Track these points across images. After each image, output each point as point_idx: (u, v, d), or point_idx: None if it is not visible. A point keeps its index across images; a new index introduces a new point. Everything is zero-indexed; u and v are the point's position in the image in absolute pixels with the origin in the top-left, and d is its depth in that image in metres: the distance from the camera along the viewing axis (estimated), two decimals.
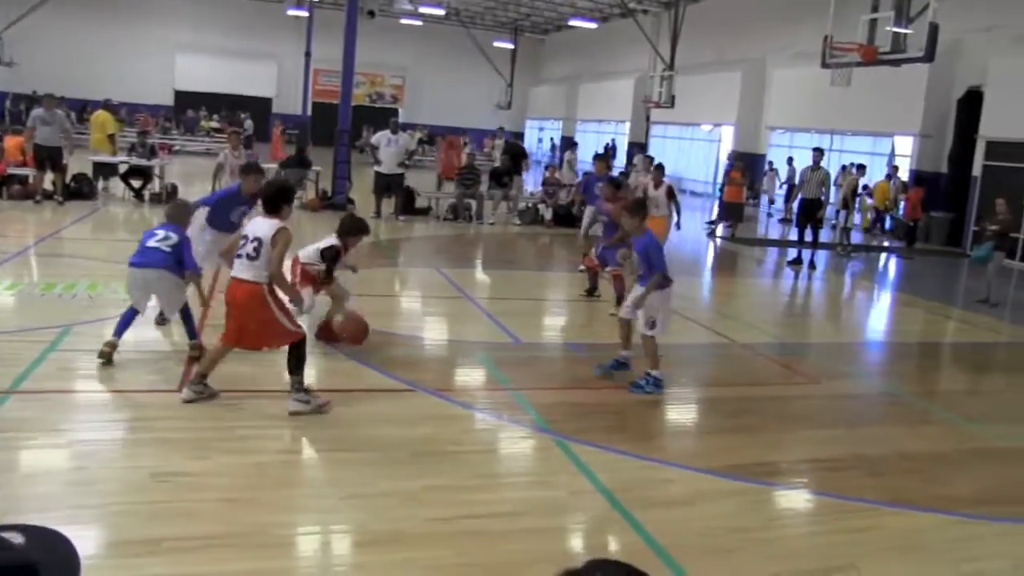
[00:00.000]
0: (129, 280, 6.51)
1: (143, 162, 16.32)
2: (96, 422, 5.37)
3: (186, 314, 6.65)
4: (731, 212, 18.74)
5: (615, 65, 37.05)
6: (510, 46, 42.51)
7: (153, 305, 6.72)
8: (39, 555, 1.23)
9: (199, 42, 39.50)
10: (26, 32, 27.30)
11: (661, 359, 6.79)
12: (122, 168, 16.27)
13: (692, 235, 18.72)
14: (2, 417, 5.14)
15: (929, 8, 13.78)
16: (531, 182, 24.10)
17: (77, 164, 15.69)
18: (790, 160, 23.97)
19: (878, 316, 12.38)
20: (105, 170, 16.34)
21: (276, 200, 5.64)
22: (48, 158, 14.33)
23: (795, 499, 5.14)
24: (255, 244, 5.45)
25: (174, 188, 16.06)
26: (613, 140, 35.89)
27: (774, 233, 21.50)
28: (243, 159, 11.55)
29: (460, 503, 4.53)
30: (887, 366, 9.13)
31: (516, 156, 19.70)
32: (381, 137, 16.39)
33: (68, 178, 15.03)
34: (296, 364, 5.59)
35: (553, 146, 40.23)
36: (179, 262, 6.44)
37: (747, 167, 21.01)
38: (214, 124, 34.07)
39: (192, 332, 6.67)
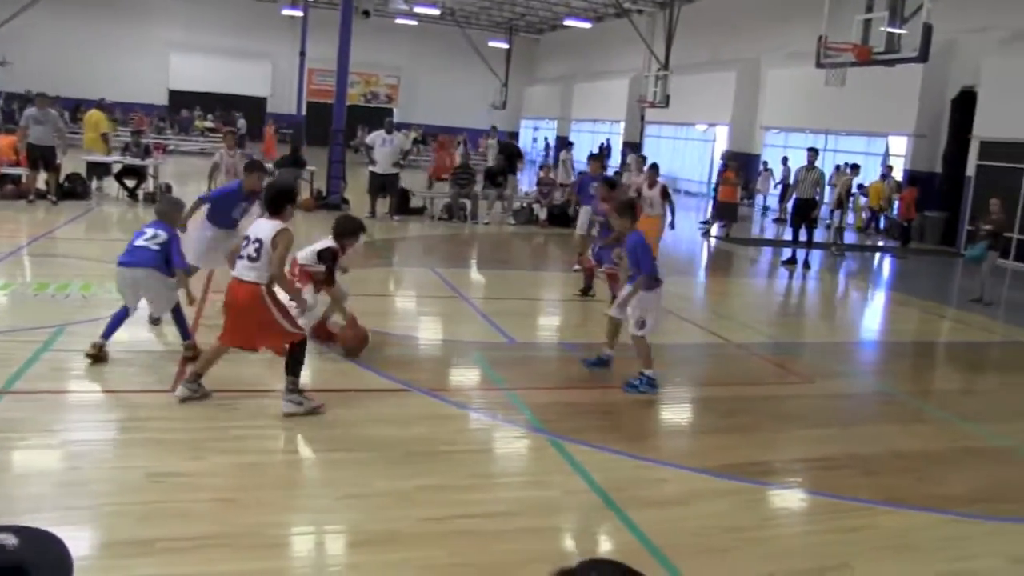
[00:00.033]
0: (118, 279, 6.47)
1: (137, 162, 16.30)
2: (89, 422, 5.36)
3: (178, 314, 6.62)
4: (725, 212, 18.76)
5: (610, 65, 37.08)
6: (505, 46, 42.51)
7: (144, 304, 6.68)
8: (32, 556, 1.22)
9: (194, 41, 39.42)
10: (19, 31, 27.17)
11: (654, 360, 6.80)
12: (116, 168, 16.25)
13: (687, 235, 18.73)
14: None
15: (923, 8, 13.81)
16: (526, 182, 24.11)
17: (71, 164, 15.65)
18: (785, 160, 24.00)
19: (872, 315, 12.41)
20: (99, 170, 16.31)
21: (278, 201, 5.64)
22: (41, 157, 14.29)
23: (789, 498, 5.15)
24: (256, 245, 5.45)
25: (168, 187, 16.03)
26: (608, 140, 35.91)
27: (769, 233, 21.54)
28: (238, 158, 11.59)
29: (454, 503, 4.53)
30: (881, 365, 9.15)
31: (511, 156, 19.71)
32: (376, 137, 16.39)
33: (62, 178, 14.99)
34: (293, 364, 5.57)
35: (547, 146, 40.21)
36: (168, 261, 6.38)
37: (741, 167, 21.04)
38: (208, 124, 34.02)
39: (185, 332, 6.64)
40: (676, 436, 6.30)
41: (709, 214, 20.46)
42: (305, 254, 7.02)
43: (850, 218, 19.68)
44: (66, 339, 6.74)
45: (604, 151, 31.44)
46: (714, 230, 18.96)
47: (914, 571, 4.25)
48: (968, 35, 18.87)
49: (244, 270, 5.48)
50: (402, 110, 42.34)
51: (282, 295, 5.67)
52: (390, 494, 4.55)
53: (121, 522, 4.03)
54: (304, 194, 17.10)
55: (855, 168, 18.90)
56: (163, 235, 6.42)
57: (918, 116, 20.40)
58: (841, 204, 17.52)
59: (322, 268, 6.94)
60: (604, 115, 37.15)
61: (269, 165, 17.87)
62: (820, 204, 15.52)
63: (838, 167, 20.54)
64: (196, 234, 7.77)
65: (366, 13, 22.89)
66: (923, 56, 13.82)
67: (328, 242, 7.03)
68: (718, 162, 25.62)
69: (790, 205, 15.70)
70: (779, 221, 22.54)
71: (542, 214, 18.13)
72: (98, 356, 6.23)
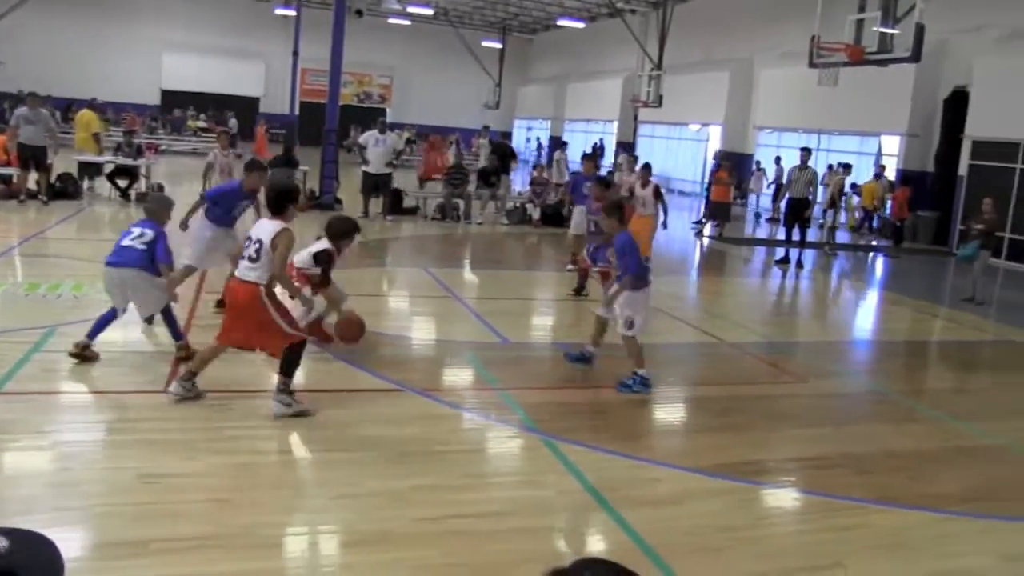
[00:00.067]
0: (106, 280, 6.40)
1: (130, 161, 16.25)
2: (81, 423, 5.34)
3: (168, 315, 6.56)
4: (718, 212, 18.79)
5: (603, 65, 37.10)
6: (498, 46, 42.50)
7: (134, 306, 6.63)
8: (22, 559, 1.21)
9: (186, 41, 39.29)
10: (10, 30, 27.11)
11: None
12: (108, 168, 16.19)
13: (680, 234, 18.77)
14: None
15: (915, 9, 13.85)
16: (519, 182, 24.11)
17: (62, 163, 15.59)
18: (778, 160, 24.06)
19: (865, 315, 12.44)
20: (90, 169, 16.24)
21: (281, 201, 5.64)
22: (32, 157, 14.23)
23: (783, 498, 5.15)
24: (256, 246, 5.47)
25: (160, 187, 15.97)
26: (601, 140, 35.94)
27: (762, 232, 21.58)
28: (232, 158, 11.61)
29: (448, 503, 4.53)
30: (874, 364, 9.17)
31: (504, 156, 19.69)
32: (369, 137, 16.36)
33: (53, 177, 14.94)
34: (288, 365, 5.54)
35: (539, 146, 40.23)
36: (154, 259, 6.29)
37: (735, 167, 21.08)
38: (201, 124, 33.93)
39: (177, 333, 6.59)
40: (669, 435, 6.30)
41: (702, 214, 20.49)
42: (301, 257, 6.98)
43: (843, 217, 19.72)
44: (57, 340, 6.70)
45: (597, 151, 31.50)
46: (707, 230, 18.98)
47: (907, 569, 4.26)
48: (960, 35, 18.93)
49: (245, 270, 5.50)
50: (395, 110, 42.29)
51: (285, 298, 5.68)
52: (383, 494, 4.55)
53: (113, 523, 4.01)
54: None
55: (847, 168, 18.94)
56: (150, 233, 6.34)
57: (910, 116, 20.46)
58: (834, 204, 17.56)
59: (318, 271, 6.93)
60: (597, 115, 37.17)
61: None
62: (813, 204, 15.56)
63: (830, 167, 20.59)
64: (196, 233, 7.76)
65: (359, 12, 22.79)
66: (915, 56, 13.86)
67: (323, 244, 7.00)
68: (711, 162, 25.71)
69: (783, 205, 15.71)
70: (772, 221, 22.58)
71: (535, 214, 18.11)
72: (82, 356, 6.18)
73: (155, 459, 4.75)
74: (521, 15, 40.01)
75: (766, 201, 24.67)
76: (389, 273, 12.04)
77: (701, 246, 17.81)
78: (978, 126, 18.20)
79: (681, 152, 32.05)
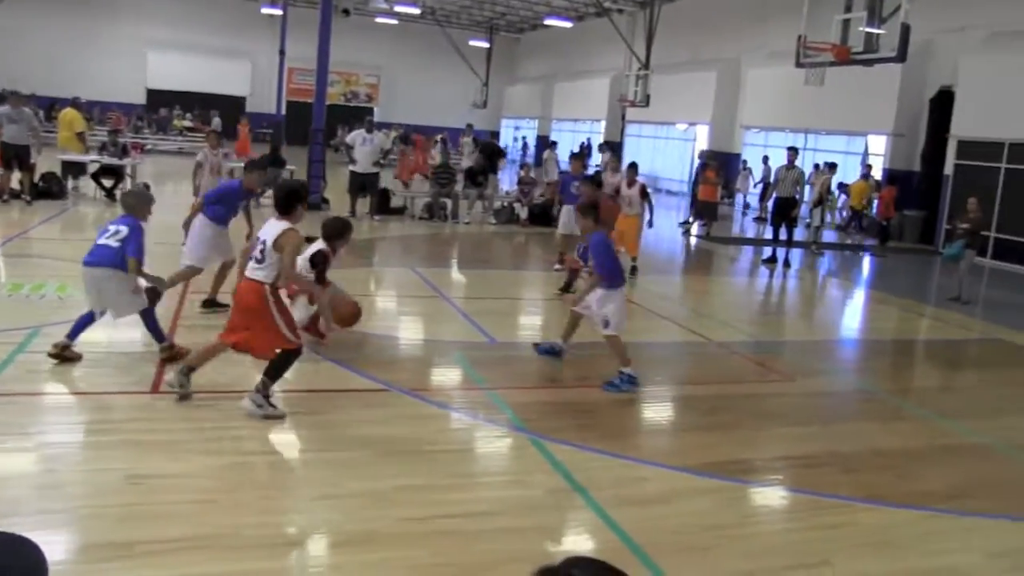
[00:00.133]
0: (83, 279, 6.24)
1: (115, 161, 16.15)
2: (66, 424, 5.30)
3: (148, 319, 6.36)
4: (706, 211, 18.83)
5: (590, 64, 37.14)
6: (485, 45, 42.47)
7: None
8: (6, 561, 1.20)
9: (172, 40, 39.09)
10: None
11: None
12: (93, 167, 16.09)
13: (667, 234, 18.81)
14: None
15: (901, 9, 13.92)
16: (507, 181, 24.10)
17: (46, 163, 15.48)
18: (765, 159, 24.14)
19: (852, 314, 12.49)
20: (74, 169, 16.14)
21: (289, 201, 5.62)
22: (15, 157, 14.14)
23: (770, 496, 5.17)
24: (261, 247, 5.49)
25: (146, 187, 15.85)
26: (589, 139, 35.98)
27: (749, 232, 21.64)
28: (221, 157, 11.67)
29: (435, 502, 4.52)
30: (861, 363, 9.21)
31: (492, 155, 19.68)
32: (356, 136, 16.33)
33: (36, 177, 14.82)
34: (274, 369, 5.49)
35: (525, 145, 40.20)
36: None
37: (722, 166, 21.14)
38: (187, 123, 33.76)
39: (159, 336, 6.43)
40: (657, 435, 6.31)
41: (689, 213, 20.54)
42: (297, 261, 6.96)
43: (829, 216, 19.81)
44: (41, 341, 6.63)
45: (585, 150, 31.51)
46: (694, 229, 19.03)
47: (893, 567, 4.28)
48: (946, 35, 19.05)
49: (252, 270, 5.53)
50: (382, 109, 42.22)
51: (285, 300, 5.74)
52: (371, 494, 4.53)
53: (99, 525, 3.98)
54: None
55: (832, 167, 19.03)
56: (124, 230, 6.11)
57: (897, 115, 20.59)
58: (820, 203, 17.63)
59: (312, 274, 6.89)
60: (585, 114, 37.22)
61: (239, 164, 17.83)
62: (800, 203, 15.62)
63: (817, 166, 20.68)
64: (197, 233, 7.74)
65: (346, 12, 22.73)
66: (901, 56, 13.93)
67: (318, 245, 6.98)
68: (698, 161, 25.77)
69: (770, 204, 15.77)
70: (759, 220, 22.66)
71: (523, 213, 18.11)
72: (62, 356, 6.09)
73: (140, 460, 4.72)
74: (508, 14, 40.01)
75: (753, 200, 24.77)
76: (376, 273, 12.01)
77: (688, 245, 17.85)
78: (963, 126, 18.32)
79: (668, 151, 32.13)
